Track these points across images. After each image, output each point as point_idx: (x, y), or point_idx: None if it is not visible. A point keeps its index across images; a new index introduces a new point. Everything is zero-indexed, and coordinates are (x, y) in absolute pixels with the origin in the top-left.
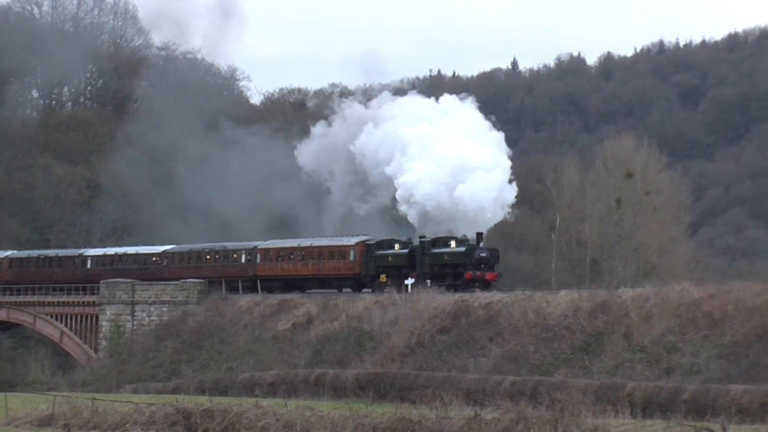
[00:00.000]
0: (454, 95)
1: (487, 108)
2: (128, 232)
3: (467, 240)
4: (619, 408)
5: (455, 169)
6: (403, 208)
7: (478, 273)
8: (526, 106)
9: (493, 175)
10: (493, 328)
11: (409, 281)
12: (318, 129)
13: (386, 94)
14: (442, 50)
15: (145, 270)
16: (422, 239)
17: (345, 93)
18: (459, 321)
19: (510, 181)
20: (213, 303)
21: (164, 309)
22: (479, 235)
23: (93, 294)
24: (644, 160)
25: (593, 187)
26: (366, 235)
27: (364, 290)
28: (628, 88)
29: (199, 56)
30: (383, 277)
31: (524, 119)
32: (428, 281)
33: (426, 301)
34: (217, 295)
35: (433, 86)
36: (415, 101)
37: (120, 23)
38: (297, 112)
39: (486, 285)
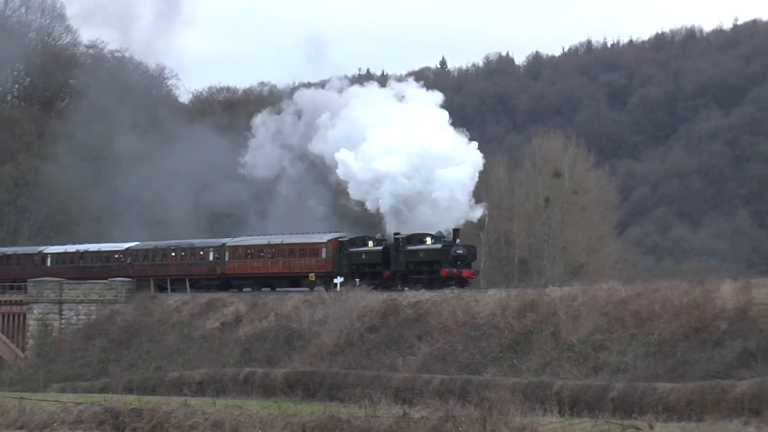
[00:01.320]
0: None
1: None
2: (56, 231)
3: (443, 236)
4: (548, 406)
5: (424, 161)
6: (368, 203)
7: (455, 270)
8: (455, 105)
9: (463, 168)
10: (422, 327)
11: (338, 280)
12: (262, 119)
13: (339, 82)
14: (370, 48)
15: (107, 268)
16: (397, 236)
17: (275, 92)
18: (388, 320)
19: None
20: (141, 302)
21: (92, 308)
22: (455, 231)
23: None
24: (572, 160)
25: (522, 186)
26: (338, 232)
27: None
28: (556, 88)
29: (127, 54)
30: (312, 276)
31: (453, 118)
32: (357, 280)
33: (355, 300)
34: (145, 294)
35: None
36: (374, 91)
37: (47, 21)
38: (226, 111)
39: (463, 282)
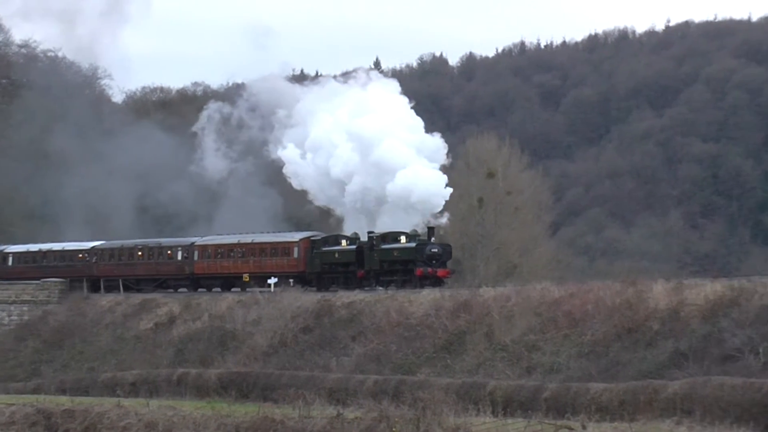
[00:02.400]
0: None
1: None
2: None
3: (418, 235)
4: (481, 407)
5: (393, 156)
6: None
7: (429, 269)
8: None
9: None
10: (356, 327)
11: (272, 281)
12: (209, 114)
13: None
14: (303, 48)
15: (72, 267)
16: (371, 234)
17: (208, 92)
18: (322, 320)
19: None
20: (74, 302)
21: (24, 308)
22: (430, 229)
23: None
24: (506, 160)
25: (455, 187)
26: (311, 230)
27: (308, 288)
28: (489, 89)
29: (60, 54)
30: (246, 277)
31: None
32: (290, 281)
33: (289, 301)
34: (78, 294)
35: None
36: (333, 87)
37: None
38: (159, 111)
39: (438, 282)
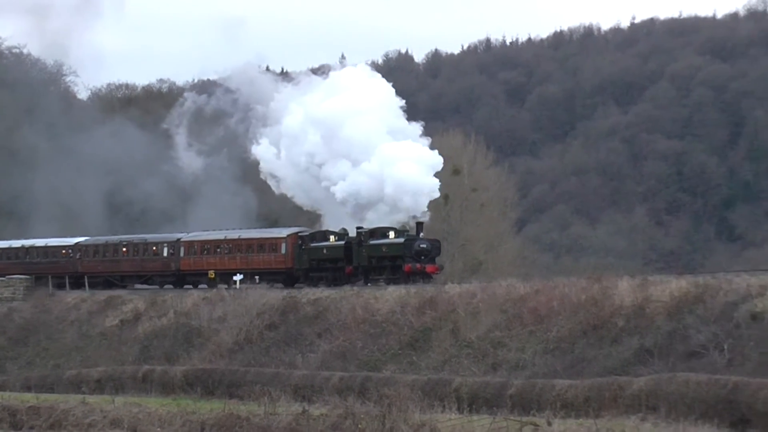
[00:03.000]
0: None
1: None
2: None
3: (407, 230)
4: (447, 403)
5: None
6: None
7: (418, 265)
8: None
9: (420, 152)
10: (322, 324)
11: (237, 277)
12: (185, 109)
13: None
14: (268, 44)
15: (55, 264)
16: (359, 230)
17: (174, 89)
18: (287, 317)
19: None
20: (39, 299)
21: None
22: (419, 225)
23: None
24: (471, 157)
25: None
26: (299, 226)
27: (297, 285)
28: (455, 86)
29: (25, 51)
30: (211, 274)
31: None
32: (256, 277)
33: (254, 297)
34: (43, 291)
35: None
36: (308, 81)
37: None
38: (125, 108)
39: (427, 278)
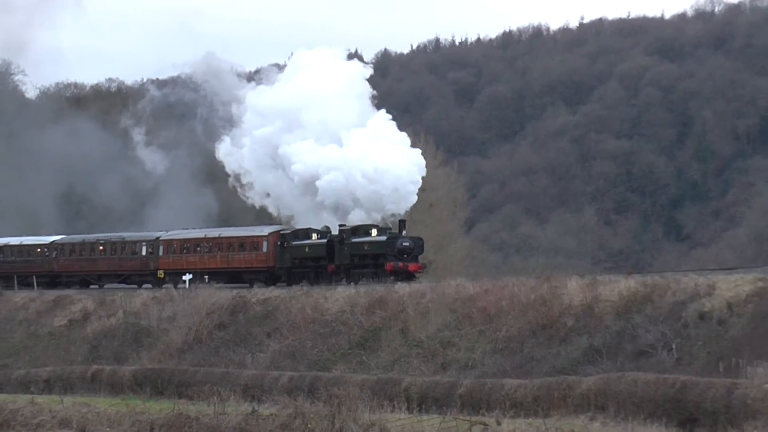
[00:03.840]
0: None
1: None
2: None
3: (389, 228)
4: (396, 403)
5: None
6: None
7: (400, 264)
8: None
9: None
10: (271, 324)
11: (187, 277)
12: (145, 109)
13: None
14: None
15: (30, 263)
16: (342, 228)
17: (123, 88)
18: (237, 317)
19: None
20: None
21: None
22: (401, 222)
23: None
24: None
25: None
26: (280, 224)
27: (278, 284)
28: (404, 85)
29: None
30: (161, 274)
31: None
32: (206, 277)
33: (204, 297)
34: None
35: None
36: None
37: None
38: (73, 107)
39: (409, 276)
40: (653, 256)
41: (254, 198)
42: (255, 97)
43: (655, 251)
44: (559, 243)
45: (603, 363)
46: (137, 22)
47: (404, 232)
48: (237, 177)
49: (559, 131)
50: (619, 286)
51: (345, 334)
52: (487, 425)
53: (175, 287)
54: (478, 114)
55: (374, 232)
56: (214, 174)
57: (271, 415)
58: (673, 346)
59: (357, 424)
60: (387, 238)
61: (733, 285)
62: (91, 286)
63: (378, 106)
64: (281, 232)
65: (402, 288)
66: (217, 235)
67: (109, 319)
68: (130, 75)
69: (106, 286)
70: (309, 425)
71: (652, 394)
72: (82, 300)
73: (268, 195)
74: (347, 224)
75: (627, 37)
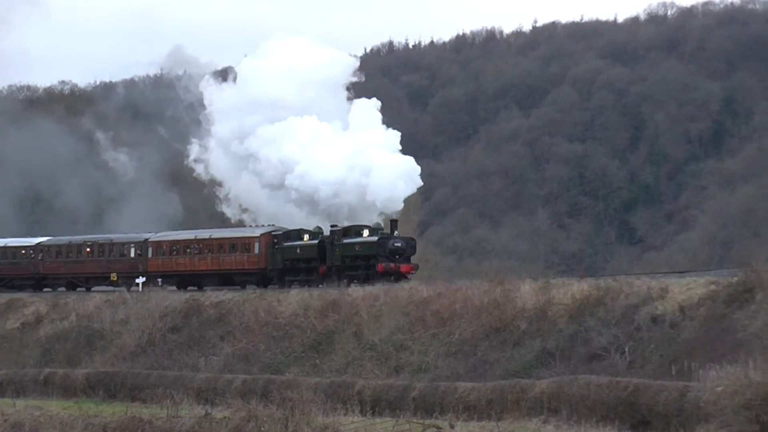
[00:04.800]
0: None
1: None
2: None
3: (381, 229)
4: (349, 406)
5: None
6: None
7: (392, 265)
8: None
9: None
10: (225, 327)
11: (140, 280)
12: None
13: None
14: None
15: (15, 265)
16: (333, 228)
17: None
18: (190, 320)
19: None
20: None
21: None
22: (393, 222)
23: None
24: None
25: None
26: (272, 225)
27: (270, 286)
28: (357, 88)
29: None
30: (114, 276)
31: None
32: (159, 280)
33: (157, 300)
34: None
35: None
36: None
37: None
38: (27, 110)
39: (401, 278)
40: (606, 259)
41: (231, 213)
42: (222, 93)
43: (608, 254)
44: (513, 246)
45: (556, 366)
46: (95, 24)
47: (396, 233)
48: (212, 184)
49: (512, 135)
50: (572, 289)
51: (298, 338)
52: (441, 428)
53: (128, 290)
54: (431, 117)
55: (366, 232)
56: (181, 177)
57: (225, 418)
58: (626, 349)
59: (310, 427)
60: (378, 239)
61: (685, 288)
62: (78, 289)
63: None
64: (273, 233)
65: (355, 291)
66: (207, 236)
67: (62, 323)
68: (88, 77)
69: (93, 289)
70: (262, 428)
71: (605, 397)
72: (34, 303)
73: (245, 210)
74: (338, 225)
75: (580, 40)
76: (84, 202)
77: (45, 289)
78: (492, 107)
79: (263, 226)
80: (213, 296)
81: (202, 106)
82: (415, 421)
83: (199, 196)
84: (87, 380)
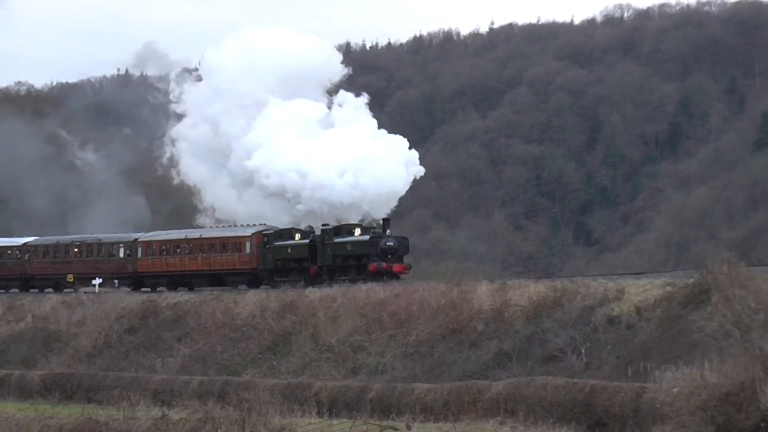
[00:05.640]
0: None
1: None
2: None
3: (374, 227)
4: (307, 407)
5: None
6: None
7: (384, 264)
8: None
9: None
10: (182, 328)
11: (96, 281)
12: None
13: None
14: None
15: (1, 265)
16: (324, 227)
17: (32, 91)
18: (147, 321)
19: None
20: None
21: None
22: (386, 221)
23: None
24: None
25: None
26: (263, 224)
27: (262, 287)
28: None
29: None
30: (70, 277)
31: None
32: (115, 281)
33: (113, 302)
34: None
35: (123, 85)
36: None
37: None
38: None
39: (394, 278)
40: (563, 260)
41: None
42: (193, 91)
43: (564, 256)
44: (470, 247)
45: (513, 367)
46: (54, 24)
47: (388, 232)
48: (188, 192)
49: (469, 136)
50: (528, 290)
51: (255, 339)
52: (397, 429)
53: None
54: (388, 118)
55: (357, 231)
56: (149, 179)
57: (181, 419)
58: (583, 351)
59: (267, 428)
60: (370, 238)
61: (641, 290)
62: (66, 290)
63: None
64: (264, 232)
65: (312, 293)
66: (198, 236)
67: (18, 324)
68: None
69: (82, 290)
70: (219, 430)
71: (562, 399)
72: None
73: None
74: (330, 224)
75: (537, 42)
76: (48, 205)
77: (31, 290)
78: (449, 108)
79: (254, 225)
80: (170, 297)
81: (173, 105)
82: (372, 422)
83: (169, 199)
84: (43, 382)
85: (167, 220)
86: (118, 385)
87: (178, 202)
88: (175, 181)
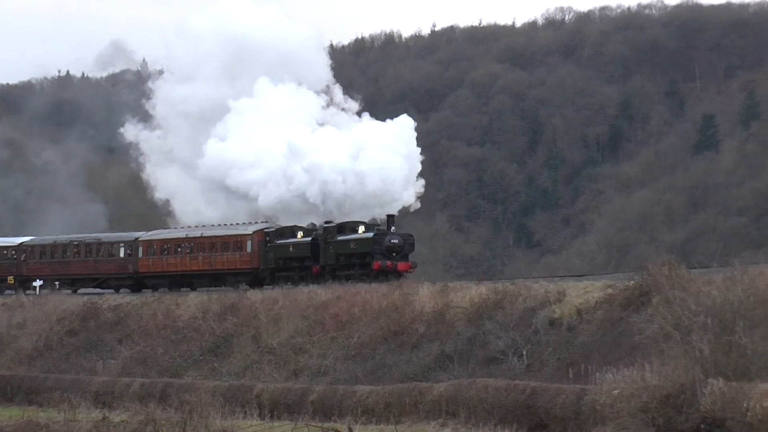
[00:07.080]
0: None
1: None
2: None
3: (378, 225)
4: (248, 409)
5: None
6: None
7: (389, 263)
8: None
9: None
10: (123, 330)
11: (38, 283)
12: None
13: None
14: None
15: None
16: (327, 225)
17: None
18: (88, 323)
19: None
20: None
21: None
22: (390, 218)
23: None
24: None
25: None
26: (265, 222)
27: (264, 286)
28: None
29: None
30: (11, 279)
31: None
32: (56, 283)
33: (54, 303)
34: None
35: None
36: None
37: None
38: None
39: (398, 277)
40: (504, 262)
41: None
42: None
43: (506, 258)
44: None
45: (454, 369)
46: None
47: (393, 229)
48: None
49: None
50: (470, 292)
51: (197, 341)
52: (339, 431)
53: (25, 293)
54: None
55: (361, 229)
56: (108, 182)
57: (123, 421)
58: (524, 353)
59: (208, 430)
60: (374, 236)
61: (582, 292)
62: (64, 291)
63: None
64: (266, 230)
65: (254, 294)
66: (198, 235)
67: None
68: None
69: (80, 291)
70: None
71: (503, 400)
72: None
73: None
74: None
75: (478, 44)
76: (4, 209)
77: (27, 292)
78: (391, 111)
79: (256, 222)
80: (111, 300)
81: (143, 101)
82: (313, 424)
83: (130, 203)
84: None
85: (125, 222)
86: (58, 387)
87: (143, 205)
88: (142, 182)
